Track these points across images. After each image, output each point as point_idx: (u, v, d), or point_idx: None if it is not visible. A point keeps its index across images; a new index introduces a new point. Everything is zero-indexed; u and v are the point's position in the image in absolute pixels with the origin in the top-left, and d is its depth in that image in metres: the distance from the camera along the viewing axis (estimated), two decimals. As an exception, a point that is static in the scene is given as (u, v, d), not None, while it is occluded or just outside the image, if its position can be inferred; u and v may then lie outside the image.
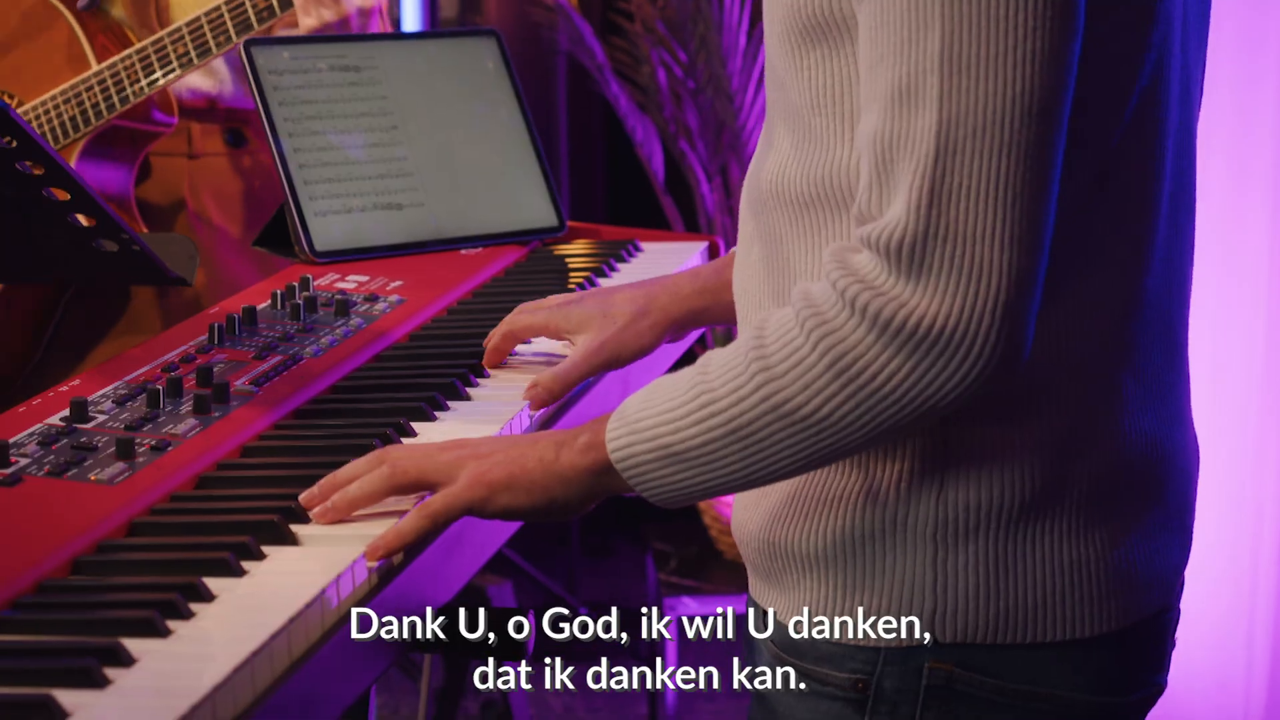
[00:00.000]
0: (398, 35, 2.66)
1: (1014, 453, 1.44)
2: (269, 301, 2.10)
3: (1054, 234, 1.38)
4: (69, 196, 2.02)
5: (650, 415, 1.44)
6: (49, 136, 2.85)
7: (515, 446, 1.51)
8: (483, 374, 1.92)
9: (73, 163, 2.84)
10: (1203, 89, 1.55)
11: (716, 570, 4.18)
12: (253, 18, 2.71)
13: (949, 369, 1.32)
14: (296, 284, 2.14)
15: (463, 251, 2.44)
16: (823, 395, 1.35)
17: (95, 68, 2.80)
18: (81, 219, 2.06)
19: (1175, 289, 1.51)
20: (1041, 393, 1.44)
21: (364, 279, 2.25)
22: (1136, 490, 1.48)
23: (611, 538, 4.92)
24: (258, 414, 1.73)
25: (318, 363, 1.90)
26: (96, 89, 2.78)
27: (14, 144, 1.94)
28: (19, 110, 2.86)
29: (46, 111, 2.83)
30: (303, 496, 1.52)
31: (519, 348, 1.99)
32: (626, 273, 2.37)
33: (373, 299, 2.15)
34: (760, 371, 1.38)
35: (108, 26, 2.86)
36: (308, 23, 2.66)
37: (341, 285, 2.21)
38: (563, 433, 1.51)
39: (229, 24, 2.73)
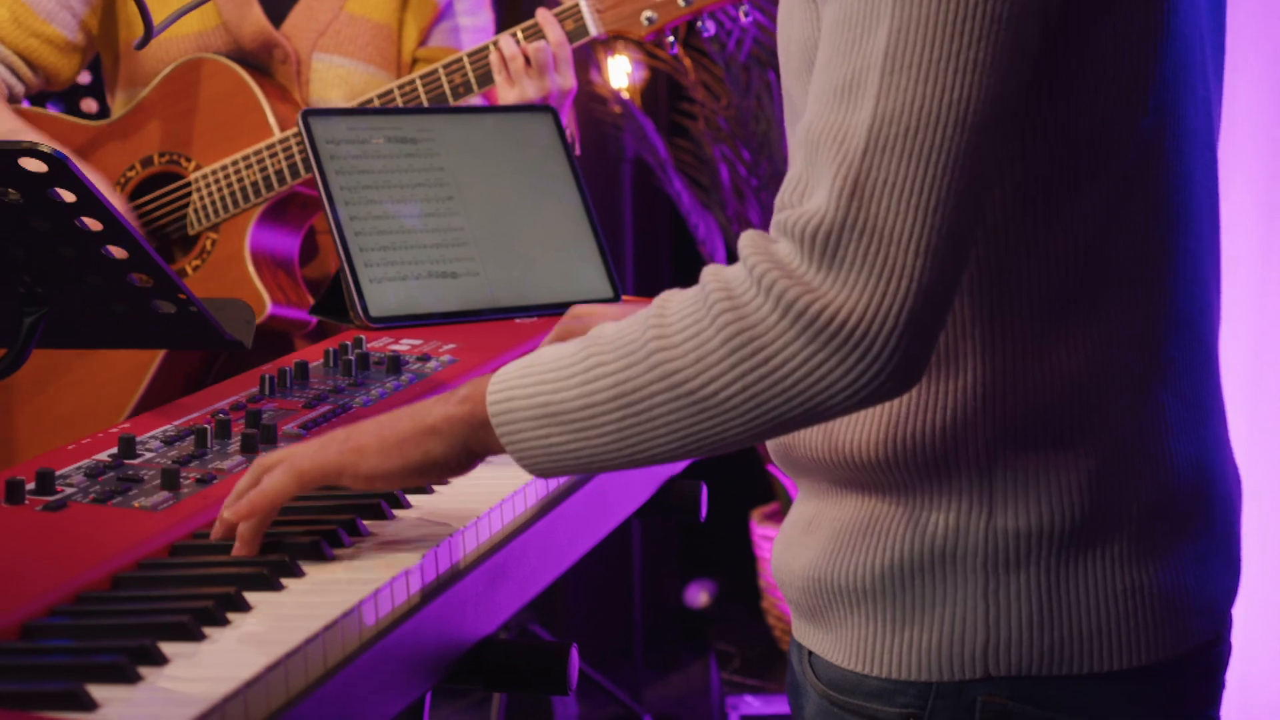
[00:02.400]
0: (454, 109, 2.70)
1: (1061, 476, 1.42)
2: (322, 359, 2.11)
3: (1083, 249, 1.38)
4: (127, 254, 2.05)
5: (534, 373, 1.42)
6: (229, 200, 2.89)
7: (389, 415, 1.50)
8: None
9: (250, 227, 2.89)
10: (1221, 107, 1.55)
11: (780, 669, 4.14)
12: (448, 92, 2.77)
13: (845, 365, 1.30)
14: (350, 343, 2.15)
15: (517, 320, 2.45)
16: (713, 371, 1.33)
17: (279, 134, 2.85)
18: (139, 278, 2.08)
19: (1207, 310, 1.50)
20: (1084, 413, 1.42)
21: (417, 342, 2.26)
22: (1184, 514, 1.46)
23: (676, 651, 4.88)
24: (305, 454, 1.73)
25: (367, 411, 1.90)
26: (281, 155, 2.83)
27: (74, 199, 1.97)
28: (197, 173, 2.91)
29: (227, 175, 2.88)
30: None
31: None
32: (680, 340, 2.37)
33: (424, 359, 2.16)
34: (655, 339, 1.36)
35: (285, 95, 2.93)
36: (509, 95, 2.74)
37: (394, 347, 2.23)
38: (444, 394, 1.49)
39: (423, 97, 2.79)
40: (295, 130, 2.85)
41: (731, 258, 4.33)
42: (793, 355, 1.31)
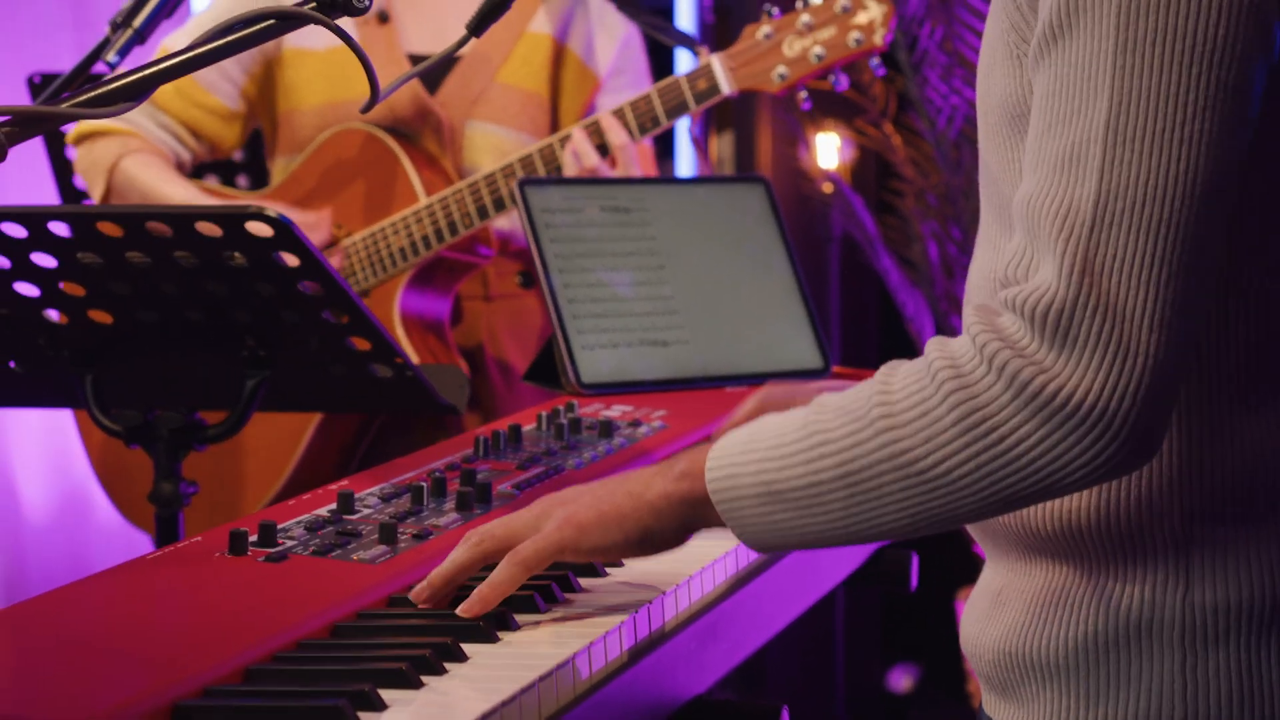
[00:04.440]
0: (667, 180, 2.73)
1: (1261, 549, 1.39)
2: (535, 424, 2.14)
3: (1278, 315, 1.34)
4: (347, 318, 2.09)
5: (756, 450, 1.40)
6: (378, 265, 2.96)
7: (603, 486, 1.49)
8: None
9: (399, 292, 2.95)
10: None
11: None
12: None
13: (1082, 445, 1.28)
14: (562, 407, 2.17)
15: (727, 389, 2.45)
16: (945, 450, 1.31)
17: (425, 200, 2.91)
18: (357, 343, 2.13)
19: None
20: None
21: (628, 408, 2.27)
22: None
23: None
24: (518, 512, 1.75)
25: (580, 474, 1.92)
26: (427, 220, 2.89)
27: (297, 263, 2.02)
28: (347, 240, 2.98)
29: (375, 242, 2.95)
30: (413, 593, 1.49)
31: None
32: (891, 410, 2.35)
33: (635, 424, 2.17)
34: (883, 417, 1.34)
35: (431, 162, 2.99)
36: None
37: (606, 413, 2.24)
38: (657, 465, 1.48)
39: (561, 159, 2.84)
40: (443, 195, 2.90)
41: (939, 335, 4.30)
42: (1028, 435, 1.29)
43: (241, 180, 3.61)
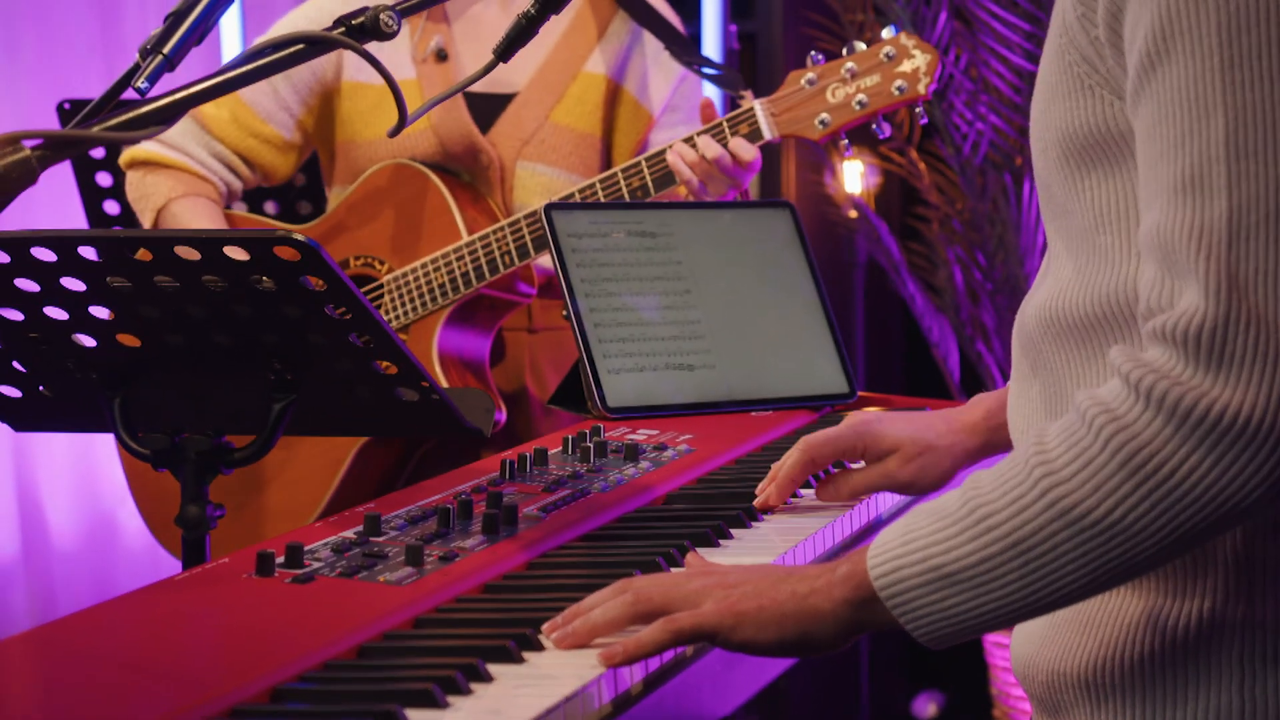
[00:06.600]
0: (694, 204, 2.72)
1: None
2: (561, 447, 2.14)
3: None
4: (374, 342, 2.10)
5: (919, 536, 1.38)
6: (418, 301, 2.96)
7: (766, 578, 1.45)
8: (768, 510, 1.92)
9: (438, 328, 2.95)
10: None
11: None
12: (625, 195, 2.81)
13: (1255, 463, 1.26)
14: (588, 430, 2.18)
15: (752, 413, 2.45)
16: (1115, 496, 1.29)
17: (466, 238, 2.91)
18: (383, 366, 2.14)
19: None
20: None
21: (653, 432, 2.28)
22: None
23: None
24: (544, 535, 1.76)
25: (605, 497, 1.92)
26: (467, 258, 2.89)
27: (324, 287, 2.03)
28: (389, 276, 2.99)
29: (417, 277, 2.95)
30: (545, 626, 1.47)
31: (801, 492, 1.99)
32: (916, 435, 2.35)
33: (661, 448, 2.18)
34: (1045, 476, 1.32)
35: (477, 199, 2.99)
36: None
37: (631, 436, 2.25)
38: (820, 565, 1.45)
39: (602, 200, 2.83)
40: (485, 233, 2.89)
41: (964, 361, 4.30)
42: (1196, 464, 1.27)
43: (304, 207, 3.62)
